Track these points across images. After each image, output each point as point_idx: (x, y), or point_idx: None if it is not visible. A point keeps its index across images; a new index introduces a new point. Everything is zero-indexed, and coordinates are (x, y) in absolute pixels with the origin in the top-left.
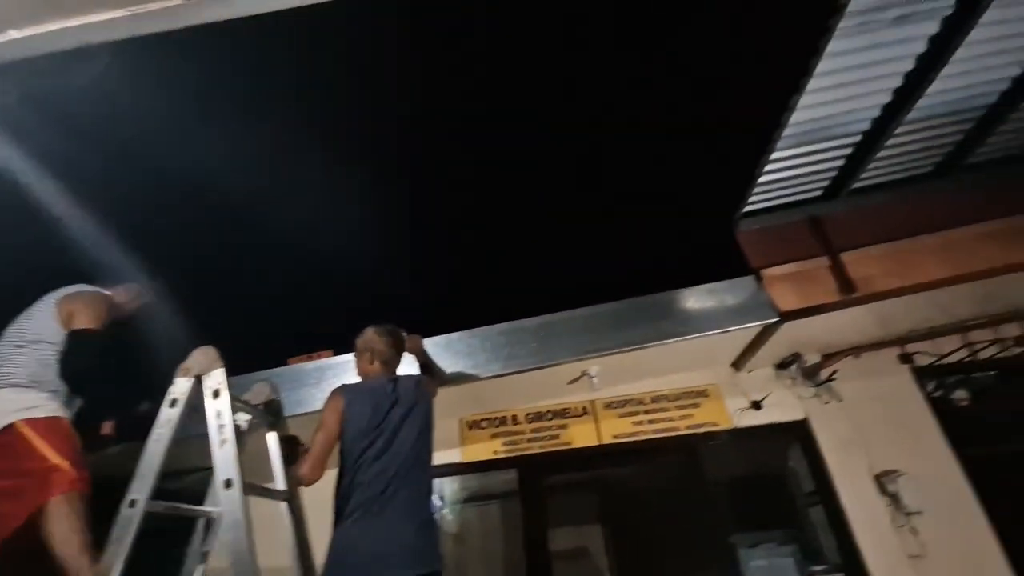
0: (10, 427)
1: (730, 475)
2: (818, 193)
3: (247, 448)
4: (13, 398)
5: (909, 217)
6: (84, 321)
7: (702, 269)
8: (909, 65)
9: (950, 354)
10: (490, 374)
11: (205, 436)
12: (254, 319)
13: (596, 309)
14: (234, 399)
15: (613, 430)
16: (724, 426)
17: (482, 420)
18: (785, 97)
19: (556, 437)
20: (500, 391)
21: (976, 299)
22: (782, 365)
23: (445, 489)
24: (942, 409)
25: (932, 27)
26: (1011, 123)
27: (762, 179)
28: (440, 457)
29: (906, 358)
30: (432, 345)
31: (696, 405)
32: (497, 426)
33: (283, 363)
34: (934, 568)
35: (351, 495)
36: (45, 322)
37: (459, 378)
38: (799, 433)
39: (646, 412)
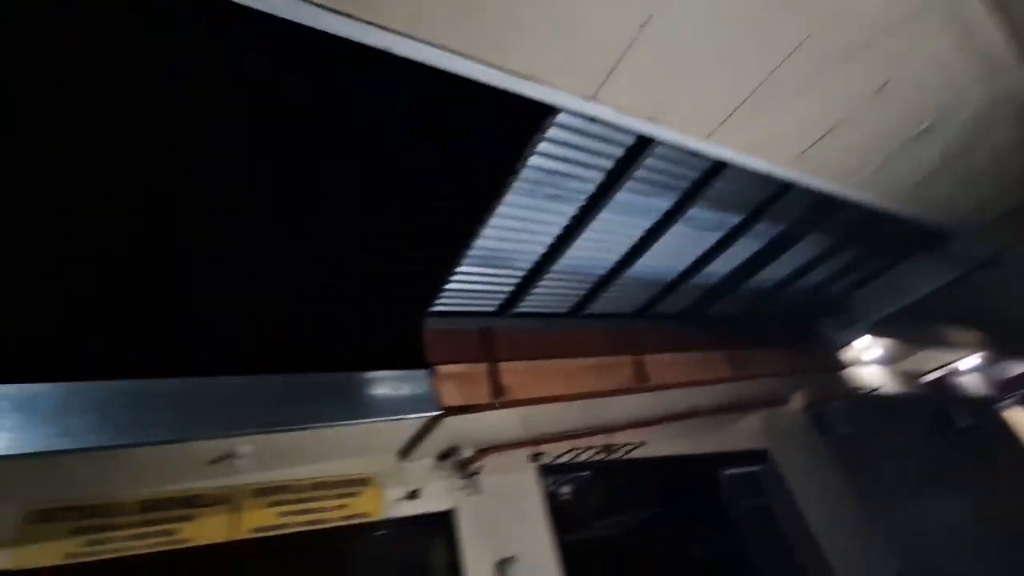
0: None
1: (376, 569)
2: (490, 309)
3: None
4: None
5: (547, 344)
6: None
7: (383, 357)
8: (557, 231)
9: (562, 455)
10: (88, 445)
11: None
12: None
13: (259, 380)
14: None
15: (253, 522)
16: (377, 516)
17: (59, 510)
18: (474, 225)
19: (171, 533)
20: (102, 471)
21: (582, 414)
22: (442, 457)
23: None
24: (552, 502)
25: (571, 210)
26: (612, 290)
27: (450, 287)
28: None
29: (535, 457)
30: None
31: (355, 494)
32: (83, 518)
33: None
34: None
35: None
36: None
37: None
38: (445, 523)
39: (299, 501)
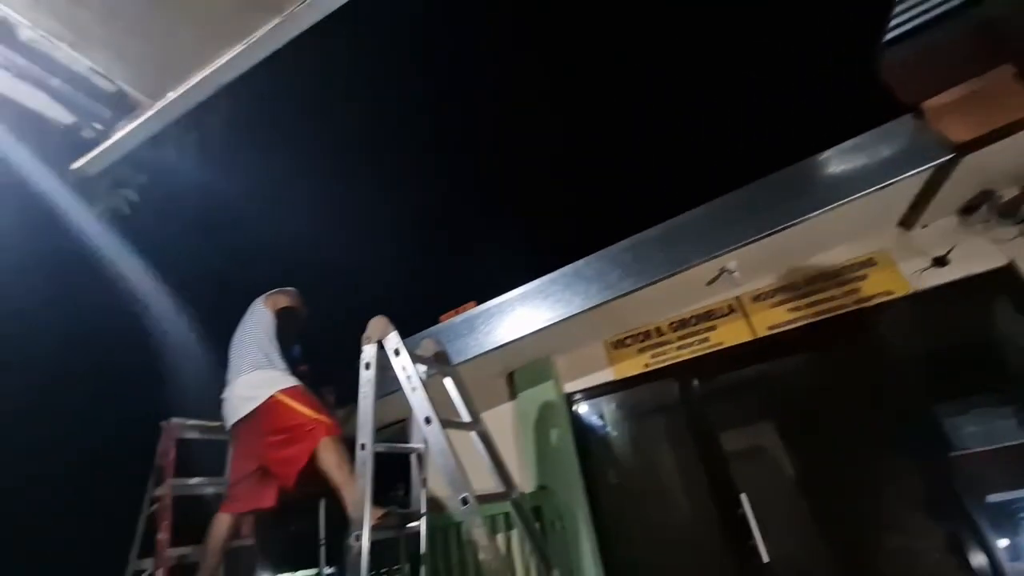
0: (271, 398)
1: (918, 344)
2: None
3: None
4: (263, 377)
5: None
6: (285, 302)
7: (846, 123)
8: None
9: None
10: (622, 292)
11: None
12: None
13: (722, 201)
14: (411, 354)
15: (767, 322)
16: (901, 293)
17: (626, 338)
18: None
19: (706, 340)
20: (638, 307)
21: None
22: (967, 210)
23: (603, 409)
24: None
25: None
26: None
27: None
28: (592, 379)
29: None
30: (561, 276)
31: (863, 277)
32: (642, 341)
33: (436, 321)
34: None
35: None
36: (259, 317)
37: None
38: (1003, 281)
39: (803, 296)
